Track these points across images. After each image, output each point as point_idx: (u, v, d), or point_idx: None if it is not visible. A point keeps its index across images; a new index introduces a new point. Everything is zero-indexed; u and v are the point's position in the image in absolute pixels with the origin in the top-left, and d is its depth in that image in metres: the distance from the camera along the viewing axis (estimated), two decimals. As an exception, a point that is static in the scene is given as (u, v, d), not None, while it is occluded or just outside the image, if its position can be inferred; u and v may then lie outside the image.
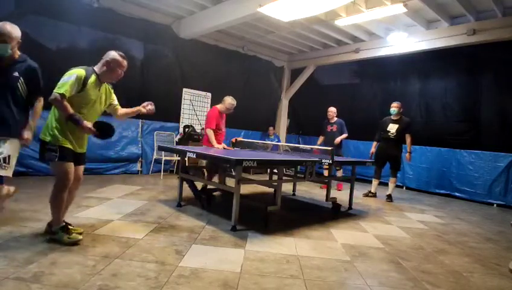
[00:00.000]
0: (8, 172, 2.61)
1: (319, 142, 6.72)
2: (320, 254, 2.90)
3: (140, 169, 6.64)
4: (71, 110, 2.44)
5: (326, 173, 6.05)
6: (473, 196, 6.46)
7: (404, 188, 7.47)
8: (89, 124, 2.50)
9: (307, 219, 4.14)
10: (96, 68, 2.68)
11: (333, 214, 4.49)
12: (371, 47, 7.45)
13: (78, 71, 2.51)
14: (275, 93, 9.59)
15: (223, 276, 2.28)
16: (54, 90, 2.39)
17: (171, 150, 5.00)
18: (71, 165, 2.59)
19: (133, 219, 3.45)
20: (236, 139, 5.53)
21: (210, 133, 4.67)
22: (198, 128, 7.41)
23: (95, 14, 5.84)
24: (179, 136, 7.17)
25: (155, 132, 6.83)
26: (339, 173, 6.24)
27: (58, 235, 2.58)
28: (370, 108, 8.35)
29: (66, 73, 2.51)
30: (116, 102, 2.91)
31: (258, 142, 7.35)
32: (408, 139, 5.65)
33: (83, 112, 2.57)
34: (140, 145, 6.61)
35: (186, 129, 7.08)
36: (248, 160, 3.17)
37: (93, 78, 2.60)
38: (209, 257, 2.60)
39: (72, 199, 2.84)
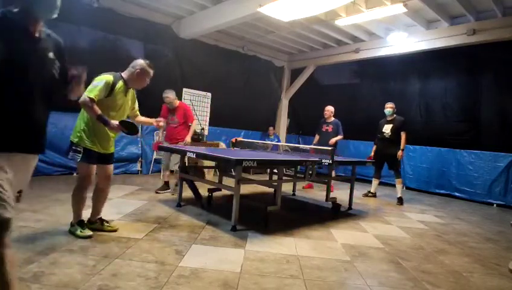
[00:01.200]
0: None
1: (314, 142, 6.58)
2: (320, 254, 2.90)
3: (140, 169, 6.63)
4: (99, 112, 2.56)
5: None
6: (473, 196, 6.46)
7: (404, 188, 7.46)
8: (116, 122, 2.61)
9: (307, 219, 4.14)
10: (124, 74, 2.83)
11: (333, 214, 4.49)
12: (371, 47, 7.45)
13: (107, 77, 2.67)
14: (275, 93, 9.59)
15: (223, 276, 2.28)
16: (84, 94, 2.48)
17: (171, 150, 4.99)
18: (93, 168, 2.77)
19: (133, 219, 3.45)
20: (236, 139, 5.53)
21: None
22: (198, 129, 7.41)
23: (95, 14, 5.83)
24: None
25: (155, 132, 6.83)
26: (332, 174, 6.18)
27: (73, 228, 2.79)
28: (370, 108, 8.34)
29: (96, 78, 2.65)
30: (137, 107, 3.09)
31: (258, 142, 7.35)
32: (402, 136, 5.61)
33: (111, 115, 2.72)
34: (140, 145, 6.61)
35: (186, 129, 7.08)
36: (248, 160, 3.17)
37: (120, 84, 2.76)
38: (209, 257, 2.60)
39: (105, 197, 3.01)
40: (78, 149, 2.66)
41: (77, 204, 2.82)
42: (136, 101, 3.07)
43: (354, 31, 7.07)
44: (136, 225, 3.24)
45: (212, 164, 5.34)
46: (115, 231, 2.97)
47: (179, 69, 7.29)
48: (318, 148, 5.17)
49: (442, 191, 6.93)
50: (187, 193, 4.31)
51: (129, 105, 2.92)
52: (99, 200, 2.97)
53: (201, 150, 4.28)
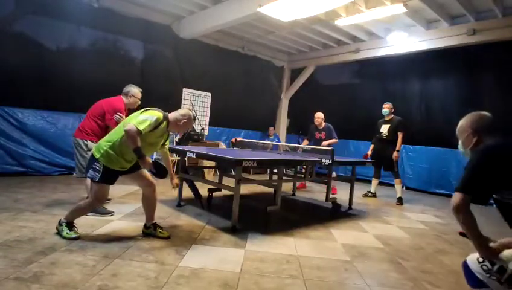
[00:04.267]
0: None
1: (303, 144, 6.34)
2: (320, 254, 2.90)
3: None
4: (139, 144, 2.57)
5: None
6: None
7: (404, 188, 7.45)
8: (149, 161, 2.65)
9: (307, 219, 4.14)
10: (170, 117, 2.83)
11: (333, 214, 4.49)
12: (371, 47, 7.45)
13: (158, 114, 2.71)
14: (275, 93, 9.59)
15: (223, 276, 2.28)
16: (134, 124, 2.54)
17: (170, 150, 4.99)
18: (108, 188, 2.78)
19: (133, 219, 3.45)
20: (236, 139, 5.53)
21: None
22: (198, 129, 7.41)
23: (95, 14, 5.84)
24: (178, 136, 7.16)
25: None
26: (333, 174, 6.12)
27: (61, 227, 2.74)
28: (370, 108, 8.33)
29: (149, 112, 2.70)
30: (168, 145, 3.11)
31: (258, 142, 7.34)
32: (399, 137, 5.58)
33: (142, 145, 2.69)
34: (140, 145, 6.60)
35: (186, 129, 7.08)
36: (248, 160, 3.17)
37: (164, 124, 2.78)
38: (209, 257, 2.59)
39: (154, 203, 3.04)
40: (98, 168, 2.63)
41: (79, 214, 2.82)
42: (168, 139, 3.06)
43: (354, 31, 7.07)
44: (136, 225, 3.24)
45: (212, 164, 5.34)
46: (168, 237, 2.94)
47: (178, 69, 7.29)
48: (318, 148, 5.16)
49: (442, 191, 6.93)
50: (187, 193, 4.31)
51: (161, 143, 2.93)
52: (148, 207, 3.00)
53: (201, 150, 4.28)
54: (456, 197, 1.55)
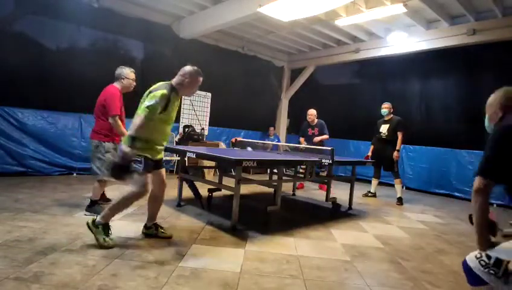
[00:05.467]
0: None
1: (302, 143, 6.50)
2: (320, 254, 2.90)
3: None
4: (137, 134, 2.52)
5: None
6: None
7: (404, 188, 7.46)
8: (128, 158, 2.50)
9: (307, 219, 4.14)
10: (174, 82, 2.76)
11: (333, 214, 4.49)
12: (371, 47, 7.45)
13: (162, 92, 2.58)
14: (275, 93, 9.59)
15: (223, 276, 2.28)
16: (139, 113, 2.53)
17: (170, 150, 4.99)
18: (150, 176, 2.72)
19: (133, 219, 3.45)
20: (236, 139, 5.53)
21: (118, 124, 3.43)
22: (198, 129, 7.41)
23: (95, 14, 5.84)
24: (178, 136, 7.17)
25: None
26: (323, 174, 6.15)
27: (97, 231, 2.59)
28: (370, 108, 8.34)
29: (152, 95, 2.57)
30: None
31: (258, 142, 7.35)
32: (399, 136, 5.57)
33: (166, 129, 2.75)
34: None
35: (186, 129, 7.08)
36: (248, 160, 3.17)
37: (174, 94, 2.70)
38: (209, 257, 2.59)
39: (161, 203, 3.00)
40: (139, 159, 2.58)
41: (120, 209, 2.72)
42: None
43: (354, 31, 7.07)
44: (136, 225, 3.24)
45: (212, 164, 5.34)
46: (170, 237, 2.93)
47: (178, 69, 7.25)
48: (318, 148, 5.17)
49: (442, 191, 6.93)
50: (187, 193, 4.31)
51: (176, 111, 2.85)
52: (155, 206, 2.96)
53: (201, 150, 4.28)
54: (476, 181, 1.56)
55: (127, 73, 3.61)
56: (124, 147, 2.46)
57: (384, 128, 5.74)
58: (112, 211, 2.67)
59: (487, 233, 1.59)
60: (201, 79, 2.90)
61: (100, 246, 2.55)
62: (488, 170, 1.56)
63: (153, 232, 2.95)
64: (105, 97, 3.42)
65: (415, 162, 7.37)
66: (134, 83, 3.69)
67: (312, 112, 6.34)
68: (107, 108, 3.38)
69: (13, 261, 2.21)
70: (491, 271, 1.58)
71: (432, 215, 5.02)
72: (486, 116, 1.86)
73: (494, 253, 1.57)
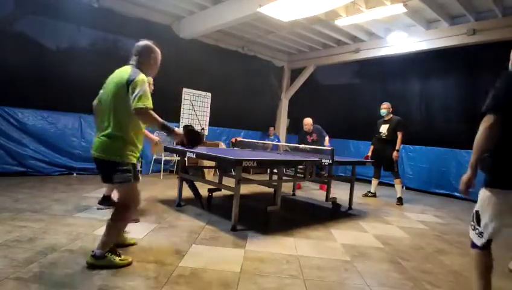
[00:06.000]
0: None
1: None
2: (320, 254, 2.90)
3: (140, 169, 6.59)
4: (159, 118, 2.24)
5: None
6: (473, 196, 6.44)
7: (404, 188, 7.46)
8: (180, 130, 2.32)
9: (307, 219, 4.14)
10: (141, 66, 2.37)
11: (333, 214, 4.49)
12: (371, 47, 7.45)
13: (141, 76, 2.24)
14: (275, 93, 9.59)
15: (223, 276, 2.28)
16: (141, 104, 2.13)
17: (170, 150, 4.99)
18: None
19: (133, 219, 3.45)
20: (236, 139, 5.53)
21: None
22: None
23: (95, 14, 5.84)
24: (178, 136, 7.16)
25: (155, 132, 6.82)
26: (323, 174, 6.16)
27: (107, 259, 2.27)
28: (370, 108, 8.34)
29: (139, 80, 2.20)
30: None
31: (258, 142, 7.35)
32: (399, 136, 5.56)
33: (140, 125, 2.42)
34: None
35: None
36: (248, 160, 3.17)
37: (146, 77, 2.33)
38: (209, 257, 2.59)
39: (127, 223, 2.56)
40: (128, 168, 2.25)
41: (120, 231, 2.43)
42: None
43: (354, 31, 7.07)
44: (136, 225, 3.24)
45: (212, 164, 5.34)
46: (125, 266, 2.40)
47: (178, 69, 7.28)
48: (317, 148, 5.17)
49: (442, 191, 6.93)
50: (187, 193, 4.31)
51: None
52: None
53: (201, 150, 4.28)
54: (487, 118, 1.79)
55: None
56: (176, 129, 2.31)
57: (384, 128, 5.74)
58: (111, 239, 2.31)
59: (480, 155, 1.83)
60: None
61: (121, 266, 2.29)
62: (493, 106, 1.76)
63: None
64: None
65: (415, 162, 7.37)
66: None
67: (308, 122, 6.34)
68: None
69: (13, 261, 2.21)
70: (475, 231, 1.94)
71: (431, 215, 5.02)
72: (510, 62, 2.00)
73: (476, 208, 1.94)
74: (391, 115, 5.77)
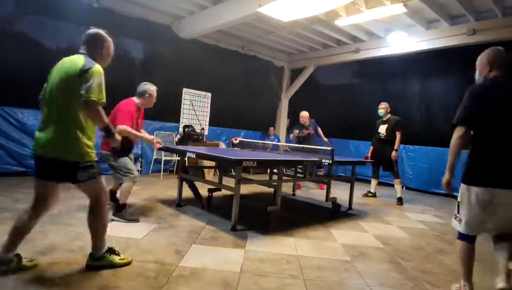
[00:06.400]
0: None
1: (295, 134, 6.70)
2: (320, 254, 2.90)
3: (140, 169, 6.63)
4: (106, 120, 2.10)
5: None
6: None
7: (404, 188, 7.46)
8: (119, 136, 2.25)
9: (307, 219, 4.14)
10: (94, 56, 2.21)
11: (333, 214, 4.49)
12: (371, 47, 7.45)
13: (97, 68, 2.07)
14: (275, 93, 9.59)
15: (223, 276, 2.28)
16: (94, 97, 1.97)
17: (170, 150, 4.99)
18: None
19: (133, 219, 3.45)
20: (236, 139, 5.53)
21: (125, 128, 3.24)
22: (198, 129, 7.41)
23: (95, 14, 5.83)
24: (178, 136, 7.17)
25: (155, 132, 6.83)
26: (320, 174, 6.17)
27: (106, 260, 2.25)
28: (370, 108, 8.33)
29: (95, 71, 2.03)
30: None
31: (258, 142, 7.35)
32: (397, 136, 5.56)
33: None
34: (140, 145, 6.61)
35: (186, 129, 7.09)
36: (248, 160, 3.17)
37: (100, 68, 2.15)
38: (209, 257, 2.59)
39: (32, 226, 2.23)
40: (91, 165, 2.12)
41: (105, 228, 2.30)
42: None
43: (354, 31, 7.07)
44: (136, 225, 3.24)
45: (212, 164, 5.34)
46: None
47: (179, 69, 7.29)
48: (317, 148, 5.17)
49: (442, 191, 6.90)
50: (187, 193, 4.31)
51: None
52: (28, 227, 2.19)
53: (201, 150, 4.28)
54: (458, 130, 2.19)
55: (152, 90, 3.66)
56: (117, 134, 2.23)
57: (382, 129, 5.74)
58: (100, 237, 2.27)
59: (452, 166, 2.18)
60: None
61: (122, 265, 2.28)
62: (458, 119, 2.19)
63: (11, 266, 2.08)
64: (120, 107, 3.45)
65: (415, 162, 7.37)
66: (155, 100, 3.72)
67: (305, 114, 6.48)
68: (118, 118, 3.30)
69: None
70: (454, 215, 2.23)
71: (431, 215, 5.02)
72: (477, 71, 2.33)
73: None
74: (389, 115, 5.77)
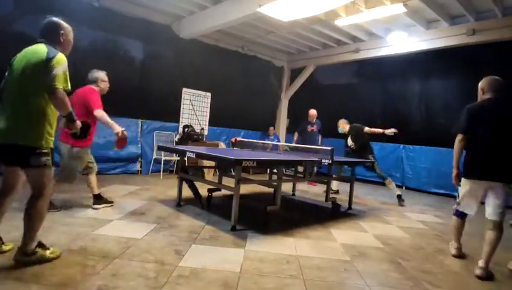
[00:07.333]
0: None
1: (295, 139, 7.14)
2: (319, 254, 2.90)
3: (139, 169, 6.63)
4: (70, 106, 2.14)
5: None
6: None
7: (404, 188, 7.46)
8: (79, 123, 2.28)
9: (307, 219, 4.14)
10: (56, 44, 2.25)
11: (333, 214, 4.49)
12: (371, 47, 7.45)
13: (59, 56, 2.12)
14: (275, 93, 9.59)
15: (222, 276, 2.28)
16: (59, 85, 2.03)
17: (170, 150, 4.99)
18: None
19: (132, 219, 3.45)
20: (236, 139, 5.53)
21: (103, 114, 3.41)
22: (197, 129, 7.41)
23: (95, 14, 5.84)
24: (178, 136, 7.17)
25: (154, 132, 6.83)
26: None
27: (38, 255, 2.22)
28: (370, 108, 8.35)
29: (59, 60, 2.09)
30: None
31: (258, 142, 7.35)
32: (368, 131, 5.53)
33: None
34: (139, 145, 6.61)
35: (186, 129, 7.08)
36: (248, 160, 3.17)
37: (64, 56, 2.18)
38: (209, 257, 2.59)
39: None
40: (46, 152, 2.14)
41: (41, 222, 2.24)
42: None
43: (354, 31, 7.07)
44: (136, 225, 3.24)
45: (212, 164, 5.34)
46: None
47: (178, 69, 7.29)
48: (318, 148, 5.17)
49: (442, 191, 6.93)
50: (187, 192, 4.31)
51: None
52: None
53: (201, 150, 4.28)
54: (458, 136, 3.02)
55: (103, 76, 3.64)
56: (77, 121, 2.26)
57: (350, 141, 5.78)
58: (36, 230, 2.23)
59: (458, 159, 3.07)
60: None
61: (52, 259, 2.25)
62: (458, 128, 2.99)
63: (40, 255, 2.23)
64: (85, 95, 3.43)
65: (415, 162, 7.37)
66: (109, 85, 3.71)
67: (314, 113, 6.98)
68: (91, 104, 3.37)
69: (13, 261, 2.21)
70: (456, 199, 3.22)
71: (431, 215, 5.02)
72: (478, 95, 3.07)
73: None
74: (347, 127, 5.82)
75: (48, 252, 2.28)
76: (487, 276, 2.66)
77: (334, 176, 4.91)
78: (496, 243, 2.73)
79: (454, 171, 3.06)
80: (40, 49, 2.13)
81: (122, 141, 3.43)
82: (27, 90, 2.09)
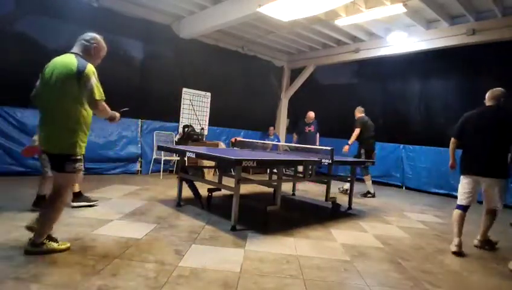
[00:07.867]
0: None
1: (294, 140, 7.34)
2: (319, 254, 2.90)
3: (139, 169, 6.63)
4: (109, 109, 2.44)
5: None
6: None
7: (404, 188, 7.47)
8: (117, 113, 2.57)
9: (307, 219, 4.14)
10: (84, 54, 2.41)
11: (333, 214, 4.49)
12: (371, 47, 7.45)
13: (89, 67, 2.28)
14: (275, 93, 9.59)
15: (222, 276, 2.28)
16: (99, 98, 2.27)
17: (170, 150, 4.99)
18: None
19: (132, 219, 3.45)
20: (236, 139, 5.53)
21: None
22: (197, 128, 7.41)
23: (95, 14, 5.84)
24: (178, 136, 7.17)
25: (154, 132, 6.83)
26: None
27: (47, 247, 2.36)
28: (370, 108, 8.32)
29: (90, 72, 2.25)
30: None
31: (258, 142, 7.35)
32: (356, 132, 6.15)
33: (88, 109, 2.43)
34: (139, 145, 6.61)
35: (186, 129, 7.08)
36: (248, 160, 3.17)
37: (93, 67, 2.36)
38: (209, 257, 2.59)
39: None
40: (79, 158, 2.37)
41: (56, 220, 2.41)
42: None
43: (354, 31, 7.07)
44: (136, 225, 3.24)
45: (212, 163, 5.34)
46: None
47: (178, 69, 7.29)
48: (318, 148, 5.17)
49: (441, 191, 6.93)
50: (187, 192, 4.31)
51: None
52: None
53: (201, 149, 4.28)
54: (452, 139, 3.53)
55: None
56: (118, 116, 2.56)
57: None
58: (50, 225, 2.39)
59: (453, 156, 3.55)
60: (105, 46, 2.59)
61: (61, 250, 2.39)
62: (454, 133, 3.50)
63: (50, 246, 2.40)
64: None
65: (415, 162, 7.37)
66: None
67: (311, 115, 7.12)
68: None
69: (13, 261, 2.21)
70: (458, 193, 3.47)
71: (431, 215, 5.02)
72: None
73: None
74: (358, 115, 6.44)
75: (56, 245, 2.40)
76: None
77: (356, 176, 5.08)
78: (489, 223, 3.48)
79: (450, 161, 3.61)
80: (70, 62, 2.28)
81: (31, 149, 3.50)
82: (63, 102, 2.27)
